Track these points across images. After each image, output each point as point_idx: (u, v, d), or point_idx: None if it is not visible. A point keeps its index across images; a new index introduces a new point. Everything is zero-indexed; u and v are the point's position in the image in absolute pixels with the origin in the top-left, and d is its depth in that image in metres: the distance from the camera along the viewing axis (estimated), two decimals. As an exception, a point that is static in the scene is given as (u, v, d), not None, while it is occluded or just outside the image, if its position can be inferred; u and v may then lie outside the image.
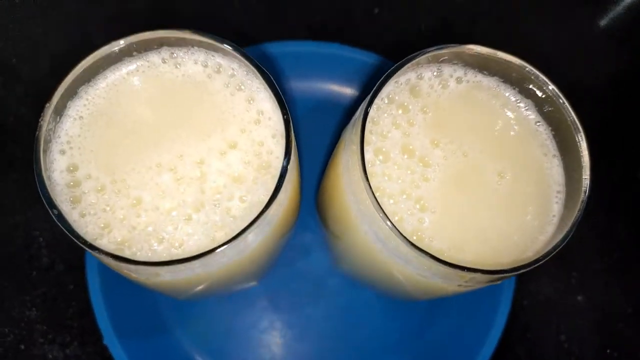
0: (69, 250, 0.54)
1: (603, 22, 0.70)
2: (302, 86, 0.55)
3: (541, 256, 0.28)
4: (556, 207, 0.33)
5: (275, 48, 0.54)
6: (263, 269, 0.41)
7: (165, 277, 0.29)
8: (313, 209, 0.56)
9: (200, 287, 0.35)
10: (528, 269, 0.28)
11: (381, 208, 0.28)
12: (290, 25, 0.62)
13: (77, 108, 0.31)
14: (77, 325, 0.53)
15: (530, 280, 0.57)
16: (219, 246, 0.26)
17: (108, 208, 0.30)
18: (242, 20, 0.62)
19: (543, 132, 0.34)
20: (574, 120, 0.31)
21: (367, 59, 0.55)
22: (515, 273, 0.28)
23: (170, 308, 0.52)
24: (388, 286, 0.37)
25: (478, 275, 0.28)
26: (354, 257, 0.37)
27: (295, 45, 0.54)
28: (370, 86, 0.32)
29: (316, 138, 0.53)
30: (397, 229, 0.27)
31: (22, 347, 0.52)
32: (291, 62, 0.54)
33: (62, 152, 0.31)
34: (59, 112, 0.30)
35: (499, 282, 0.32)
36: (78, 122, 0.31)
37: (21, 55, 0.60)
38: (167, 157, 0.31)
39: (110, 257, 0.27)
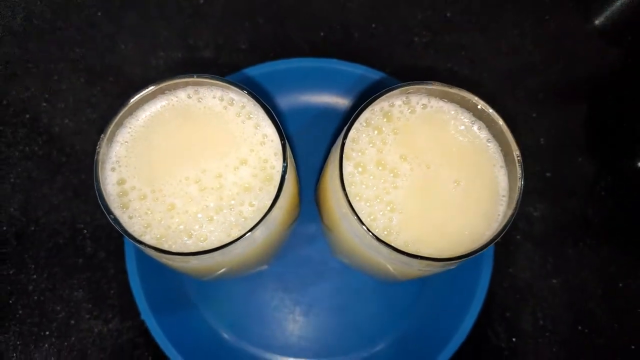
0: (109, 241, 0.65)
1: (597, 21, 0.77)
2: (306, 98, 0.65)
3: (479, 248, 0.38)
4: (501, 208, 0.42)
5: (283, 65, 0.64)
6: (270, 256, 0.51)
7: (193, 263, 0.39)
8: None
9: (220, 271, 0.46)
10: (469, 257, 0.38)
11: (354, 211, 0.38)
12: (295, 42, 0.72)
13: (123, 135, 0.42)
14: (117, 304, 0.64)
15: (509, 265, 0.67)
16: (234, 240, 0.37)
17: (149, 212, 0.40)
18: (254, 39, 0.72)
19: (492, 147, 0.43)
20: (510, 139, 0.41)
21: (362, 72, 0.65)
22: (457, 261, 0.37)
23: (196, 289, 0.63)
24: (370, 269, 0.47)
25: (430, 262, 0.37)
26: (342, 247, 0.47)
27: (299, 62, 0.64)
28: (367, 96, 0.40)
29: (317, 143, 0.63)
30: (366, 227, 0.37)
31: (72, 322, 0.63)
32: (296, 77, 0.64)
33: (113, 169, 0.41)
34: (110, 139, 0.41)
35: (453, 267, 0.42)
36: (124, 145, 0.42)
37: (62, 74, 0.70)
38: (193, 171, 0.41)
39: (153, 249, 0.37)
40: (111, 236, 0.65)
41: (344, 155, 0.40)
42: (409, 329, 0.63)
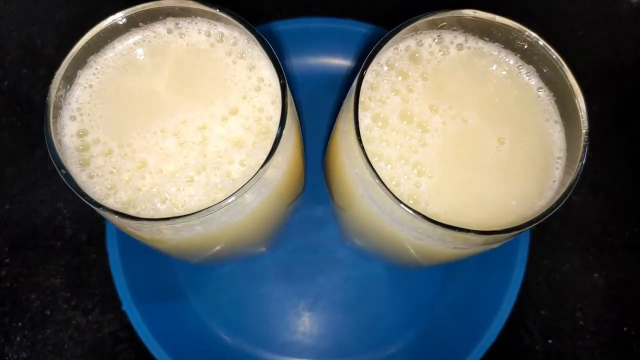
0: (91, 222, 0.57)
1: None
2: (308, 62, 0.56)
3: (534, 218, 0.29)
4: (557, 172, 0.33)
5: (279, 26, 0.55)
6: (268, 234, 0.42)
7: (168, 235, 0.30)
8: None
9: (207, 252, 0.37)
10: (520, 230, 0.28)
11: (374, 171, 0.28)
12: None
13: (87, 77, 0.33)
14: (99, 293, 0.55)
15: (545, 257, 0.57)
16: (217, 204, 0.28)
17: (115, 170, 0.32)
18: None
19: (545, 98, 0.34)
20: (574, 85, 0.31)
21: (369, 31, 0.56)
22: (508, 235, 0.28)
23: (185, 277, 0.54)
24: (390, 252, 0.38)
25: (471, 236, 0.28)
26: (356, 225, 0.38)
27: (300, 22, 0.55)
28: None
29: (323, 112, 0.54)
30: (389, 191, 0.28)
31: (48, 312, 0.55)
32: (296, 39, 0.55)
33: (73, 118, 0.32)
34: (70, 80, 0.32)
35: (496, 246, 0.33)
36: (88, 90, 0.33)
37: (45, 37, 0.62)
38: (171, 122, 0.32)
39: (116, 214, 0.28)
40: (94, 217, 0.56)
41: (359, 105, 0.31)
42: (429, 327, 0.53)
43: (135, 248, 0.52)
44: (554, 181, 0.32)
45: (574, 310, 0.56)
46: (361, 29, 0.56)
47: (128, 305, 0.50)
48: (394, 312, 0.54)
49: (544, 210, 0.29)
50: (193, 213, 0.27)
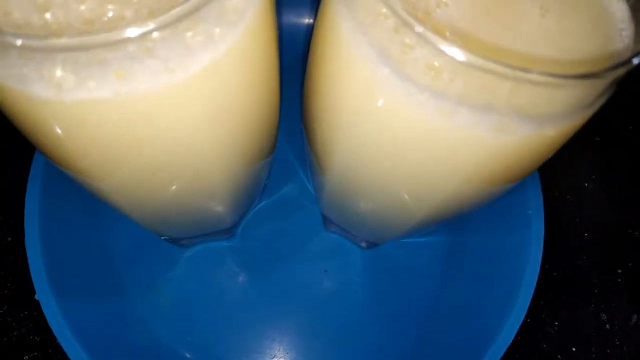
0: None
1: None
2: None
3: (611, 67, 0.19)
4: (620, 46, 0.23)
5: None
6: (228, 183, 0.31)
7: (67, 90, 0.19)
8: (301, 152, 0.46)
9: (130, 149, 0.25)
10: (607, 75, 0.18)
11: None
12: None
13: None
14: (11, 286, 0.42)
15: (560, 249, 0.47)
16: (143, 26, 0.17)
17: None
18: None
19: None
20: None
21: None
22: (588, 78, 0.18)
23: (125, 264, 0.41)
24: (382, 178, 0.26)
25: (538, 78, 0.17)
26: (340, 140, 0.27)
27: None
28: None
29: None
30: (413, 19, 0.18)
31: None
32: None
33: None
34: None
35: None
36: None
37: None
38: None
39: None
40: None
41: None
42: (426, 335, 0.41)
43: (63, 224, 0.39)
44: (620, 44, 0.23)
45: (597, 312, 0.45)
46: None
47: (42, 294, 0.37)
48: (384, 311, 0.42)
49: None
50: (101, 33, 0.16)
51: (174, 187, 0.29)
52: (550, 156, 0.24)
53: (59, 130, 0.20)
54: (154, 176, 0.27)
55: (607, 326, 0.45)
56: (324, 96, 0.27)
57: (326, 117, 0.28)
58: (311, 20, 0.50)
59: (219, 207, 0.34)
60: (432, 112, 0.20)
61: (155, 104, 0.20)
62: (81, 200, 0.40)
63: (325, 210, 0.40)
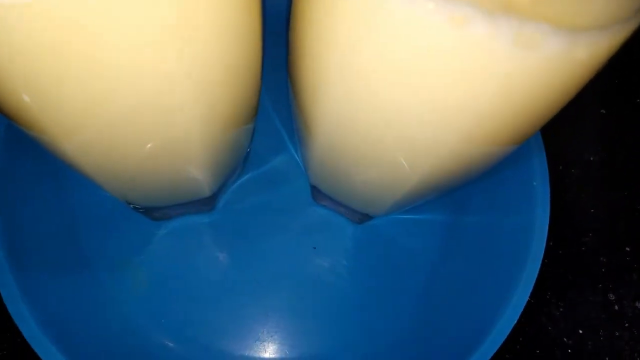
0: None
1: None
2: None
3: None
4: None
5: None
6: (205, 142, 0.27)
7: None
8: (288, 122, 0.43)
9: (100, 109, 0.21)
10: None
11: None
12: None
13: None
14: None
15: (566, 226, 0.43)
16: None
17: None
18: None
19: None
20: None
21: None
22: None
23: (94, 236, 0.37)
24: (378, 125, 0.23)
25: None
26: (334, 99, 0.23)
27: None
28: None
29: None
30: None
31: None
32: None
33: None
34: None
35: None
36: None
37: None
38: None
39: None
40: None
41: None
42: (424, 317, 0.38)
43: (22, 189, 0.36)
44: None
45: (605, 292, 0.42)
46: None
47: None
48: (377, 291, 0.39)
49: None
50: None
51: (140, 142, 0.25)
52: (576, 93, 0.20)
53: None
54: (116, 126, 0.23)
55: (616, 307, 0.41)
56: (314, 32, 0.23)
57: (316, 56, 0.24)
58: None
59: (195, 172, 0.30)
60: (441, 23, 0.17)
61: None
62: (43, 163, 0.36)
63: (315, 179, 0.36)
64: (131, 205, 0.33)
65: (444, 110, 0.20)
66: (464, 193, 0.40)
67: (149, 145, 0.25)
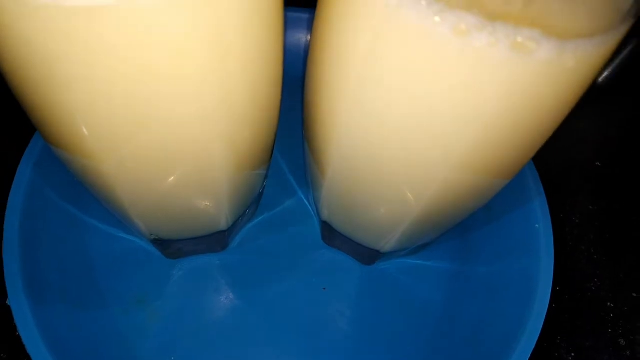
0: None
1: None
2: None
3: None
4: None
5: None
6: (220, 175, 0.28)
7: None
8: (298, 170, 0.44)
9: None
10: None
11: None
12: None
13: None
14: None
15: (569, 269, 0.44)
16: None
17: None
18: None
19: None
20: None
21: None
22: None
23: (109, 275, 0.38)
24: (389, 147, 0.24)
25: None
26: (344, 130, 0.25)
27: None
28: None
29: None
30: None
31: None
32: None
33: None
34: None
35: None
36: None
37: None
38: None
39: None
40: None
41: None
42: (432, 358, 0.38)
43: (45, 227, 0.37)
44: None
45: (615, 337, 0.42)
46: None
47: (15, 298, 0.33)
48: (386, 332, 0.38)
49: None
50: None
51: (169, 168, 0.27)
52: (571, 102, 0.22)
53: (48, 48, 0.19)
54: (151, 158, 0.25)
55: (628, 352, 0.41)
56: (329, 60, 0.26)
57: (330, 87, 0.26)
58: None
59: (215, 203, 0.32)
60: (445, 33, 0.19)
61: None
62: (67, 206, 0.37)
63: (327, 213, 0.37)
64: (152, 236, 0.34)
65: (453, 122, 0.22)
66: (469, 239, 0.41)
67: (177, 171, 0.27)
